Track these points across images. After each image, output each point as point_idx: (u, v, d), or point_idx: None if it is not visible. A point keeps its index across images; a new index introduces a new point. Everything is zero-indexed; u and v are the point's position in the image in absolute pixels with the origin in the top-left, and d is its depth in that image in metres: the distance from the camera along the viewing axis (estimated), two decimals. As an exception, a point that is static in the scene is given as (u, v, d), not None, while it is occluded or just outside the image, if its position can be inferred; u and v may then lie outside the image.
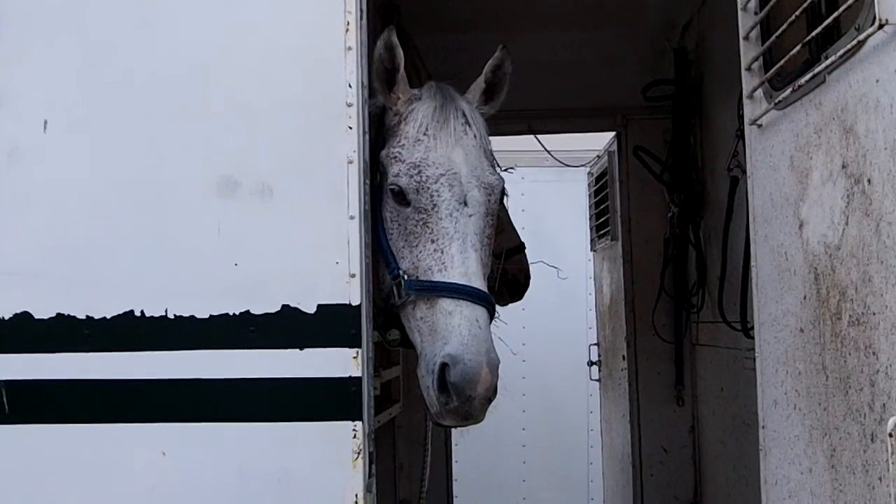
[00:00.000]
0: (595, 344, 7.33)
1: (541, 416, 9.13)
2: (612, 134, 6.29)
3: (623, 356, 6.08)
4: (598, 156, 6.91)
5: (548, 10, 5.56)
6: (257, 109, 2.88)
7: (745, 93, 2.79)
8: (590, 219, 7.45)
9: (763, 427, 2.69)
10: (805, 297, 2.33)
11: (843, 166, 2.11)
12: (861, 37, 1.99)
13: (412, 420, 5.53)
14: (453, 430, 6.07)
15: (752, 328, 3.68)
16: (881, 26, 1.90)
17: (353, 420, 2.75)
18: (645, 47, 5.85)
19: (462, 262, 3.00)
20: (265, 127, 2.88)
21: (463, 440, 7.45)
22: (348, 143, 2.84)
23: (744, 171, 3.75)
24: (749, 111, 2.76)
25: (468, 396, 2.76)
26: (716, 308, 5.00)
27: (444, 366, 2.80)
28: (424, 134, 3.16)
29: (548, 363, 8.84)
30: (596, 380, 7.25)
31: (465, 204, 3.09)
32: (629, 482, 6.01)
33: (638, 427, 5.94)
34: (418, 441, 4.57)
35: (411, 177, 3.09)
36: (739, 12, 2.80)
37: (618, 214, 6.20)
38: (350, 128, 2.85)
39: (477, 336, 2.84)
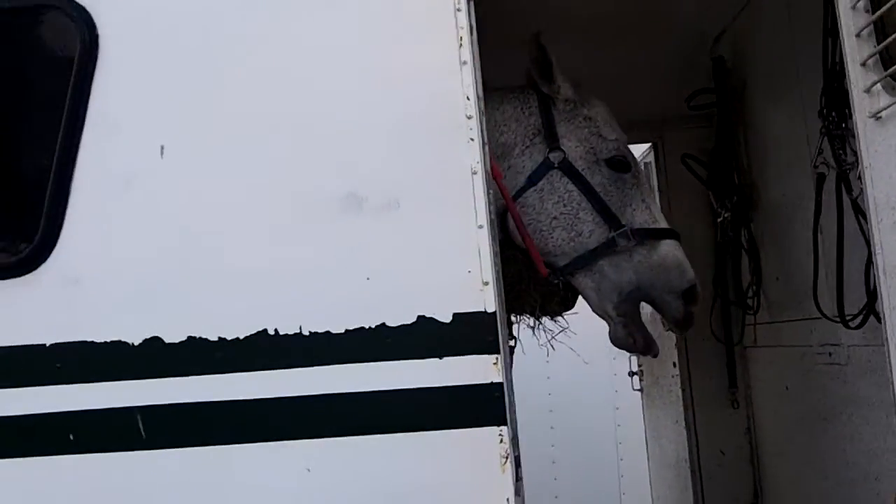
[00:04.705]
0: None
1: (569, 431, 9.16)
2: (648, 145, 6.37)
3: (674, 363, 6.13)
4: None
5: (578, 25, 5.63)
6: (380, 126, 2.93)
7: (859, 88, 2.86)
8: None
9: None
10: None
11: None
12: None
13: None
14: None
15: (850, 319, 3.78)
16: None
17: (499, 425, 2.78)
18: (678, 59, 5.93)
19: (663, 215, 3.94)
20: (389, 142, 2.92)
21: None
22: (471, 154, 2.89)
23: (830, 168, 3.85)
24: (867, 105, 2.84)
25: None
26: (772, 308, 5.10)
27: (693, 286, 3.89)
28: (610, 119, 3.97)
29: (574, 381, 8.83)
30: (638, 389, 7.28)
31: None
32: (687, 488, 6.05)
33: (695, 432, 5.99)
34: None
35: (627, 149, 3.89)
36: (849, 10, 2.89)
37: (660, 223, 6.25)
38: (472, 139, 2.89)
39: None
